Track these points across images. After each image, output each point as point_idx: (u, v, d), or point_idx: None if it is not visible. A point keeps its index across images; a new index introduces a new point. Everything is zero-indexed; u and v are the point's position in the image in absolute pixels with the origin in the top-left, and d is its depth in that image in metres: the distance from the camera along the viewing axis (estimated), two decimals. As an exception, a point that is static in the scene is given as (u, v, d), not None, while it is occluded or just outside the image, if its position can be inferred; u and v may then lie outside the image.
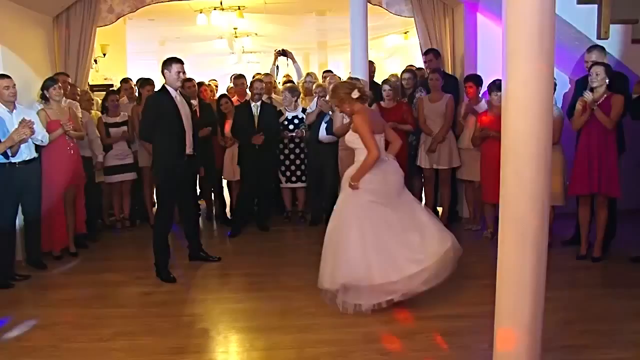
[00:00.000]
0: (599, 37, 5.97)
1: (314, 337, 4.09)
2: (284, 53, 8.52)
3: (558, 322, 4.00)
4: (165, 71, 5.42)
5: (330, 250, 4.61)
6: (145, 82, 7.33)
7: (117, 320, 4.51)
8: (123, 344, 4.06)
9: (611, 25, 5.94)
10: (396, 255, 4.44)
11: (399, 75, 7.72)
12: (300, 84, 8.05)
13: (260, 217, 7.29)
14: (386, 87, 6.91)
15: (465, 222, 7.13)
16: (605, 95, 5.42)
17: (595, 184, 5.45)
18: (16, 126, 5.29)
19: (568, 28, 5.96)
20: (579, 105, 5.55)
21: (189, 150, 5.49)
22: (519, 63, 2.87)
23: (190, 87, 7.05)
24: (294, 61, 8.69)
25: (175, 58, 5.46)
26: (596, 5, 5.94)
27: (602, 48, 5.80)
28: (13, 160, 5.34)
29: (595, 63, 5.52)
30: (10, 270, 5.44)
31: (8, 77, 5.47)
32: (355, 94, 4.69)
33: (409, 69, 7.82)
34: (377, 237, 4.47)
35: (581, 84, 5.87)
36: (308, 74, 8.39)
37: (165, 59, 5.55)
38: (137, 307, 4.82)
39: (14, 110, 5.49)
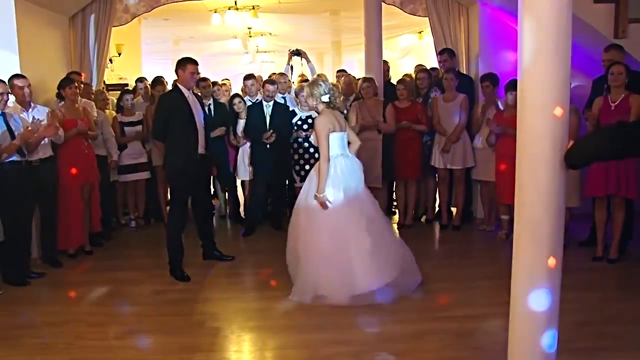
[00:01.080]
0: (616, 36, 5.91)
1: (327, 337, 4.09)
2: (297, 53, 8.51)
3: (573, 324, 3.95)
4: (180, 71, 5.43)
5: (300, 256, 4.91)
6: (156, 82, 7.37)
7: (131, 318, 4.53)
8: (136, 342, 4.07)
9: (629, 24, 5.88)
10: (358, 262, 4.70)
11: (414, 75, 7.70)
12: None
13: (273, 217, 7.29)
14: (400, 86, 6.90)
15: (480, 222, 7.09)
16: (623, 95, 5.35)
17: (613, 185, 5.38)
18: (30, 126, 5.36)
19: (585, 27, 5.91)
20: (594, 108, 5.51)
21: (201, 149, 5.50)
22: (534, 62, 2.85)
23: (205, 87, 7.07)
24: (308, 61, 8.67)
25: (190, 58, 5.48)
26: (613, 5, 5.89)
27: (620, 47, 5.74)
28: (29, 158, 5.39)
29: (616, 62, 5.44)
30: (26, 268, 5.49)
31: (23, 77, 5.53)
32: (325, 99, 4.99)
33: (424, 69, 7.80)
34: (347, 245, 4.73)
35: (598, 84, 5.81)
36: (318, 76, 8.37)
37: (180, 58, 5.57)
38: (150, 305, 4.84)
39: (30, 110, 5.55)
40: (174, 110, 5.37)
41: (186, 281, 5.34)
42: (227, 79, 9.52)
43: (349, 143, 5.24)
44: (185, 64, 5.41)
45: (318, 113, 5.09)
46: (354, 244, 4.73)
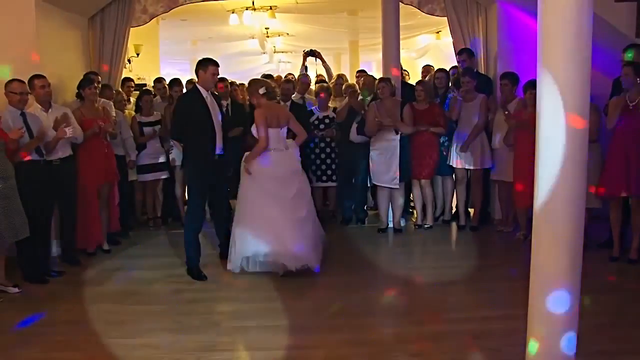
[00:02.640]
0: (638, 36, 5.84)
1: (343, 337, 4.08)
2: (312, 53, 8.50)
3: (593, 326, 3.90)
4: (201, 71, 5.46)
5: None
6: (174, 83, 7.41)
7: (149, 316, 4.56)
8: (154, 341, 4.10)
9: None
10: (280, 232, 5.34)
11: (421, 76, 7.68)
12: (331, 85, 8.04)
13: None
14: (419, 87, 6.88)
15: (498, 223, 7.04)
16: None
17: (633, 185, 5.32)
18: (52, 125, 5.41)
19: (606, 26, 5.84)
20: (612, 105, 5.46)
21: (219, 150, 5.52)
22: (555, 62, 2.82)
23: (223, 87, 7.09)
24: (323, 61, 8.67)
25: (211, 59, 5.51)
26: (635, 3, 5.82)
27: (639, 47, 5.66)
28: (49, 158, 5.44)
29: (627, 63, 5.41)
30: (46, 266, 5.55)
31: (43, 76, 5.57)
32: (262, 91, 5.51)
33: (441, 69, 7.77)
34: (265, 214, 5.36)
35: (619, 84, 5.74)
36: (339, 76, 8.37)
37: (201, 59, 5.58)
38: (168, 304, 4.87)
39: (50, 110, 5.60)
40: (192, 110, 5.39)
41: (203, 280, 5.36)
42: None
43: (294, 136, 5.76)
44: (207, 64, 5.44)
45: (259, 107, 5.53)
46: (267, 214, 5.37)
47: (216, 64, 5.48)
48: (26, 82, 5.41)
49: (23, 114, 5.30)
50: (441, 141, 6.98)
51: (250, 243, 5.39)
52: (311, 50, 8.56)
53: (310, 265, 5.36)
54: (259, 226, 5.37)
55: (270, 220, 5.37)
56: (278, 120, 5.53)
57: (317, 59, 8.62)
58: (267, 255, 5.35)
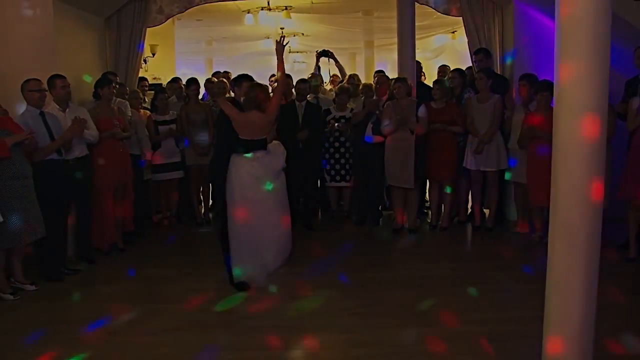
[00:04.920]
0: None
1: (357, 338, 4.07)
2: (325, 54, 8.49)
3: (609, 330, 3.86)
4: (236, 89, 5.75)
5: None
6: (191, 82, 7.45)
7: (164, 315, 4.57)
8: (169, 339, 4.12)
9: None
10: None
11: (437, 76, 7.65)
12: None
13: (305, 216, 7.28)
14: (435, 86, 6.84)
15: (513, 224, 6.99)
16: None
17: None
18: (69, 124, 5.45)
19: (625, 25, 5.78)
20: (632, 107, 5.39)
21: None
22: (572, 62, 2.79)
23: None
24: (336, 61, 8.66)
25: (245, 76, 5.79)
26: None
27: None
28: (66, 157, 5.48)
29: None
30: (62, 264, 5.60)
31: (64, 77, 5.62)
32: (242, 98, 5.43)
33: (457, 68, 7.73)
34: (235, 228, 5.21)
35: (632, 85, 5.68)
36: (351, 76, 8.36)
37: (236, 76, 5.86)
38: (183, 303, 4.87)
39: (67, 109, 5.64)
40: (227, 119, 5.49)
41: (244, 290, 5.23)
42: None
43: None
44: (241, 82, 5.69)
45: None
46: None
47: (250, 79, 5.72)
48: (44, 81, 5.45)
49: (42, 114, 5.34)
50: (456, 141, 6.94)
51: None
52: (324, 50, 8.57)
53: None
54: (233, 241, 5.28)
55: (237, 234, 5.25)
56: (252, 130, 5.26)
57: (330, 59, 8.62)
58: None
